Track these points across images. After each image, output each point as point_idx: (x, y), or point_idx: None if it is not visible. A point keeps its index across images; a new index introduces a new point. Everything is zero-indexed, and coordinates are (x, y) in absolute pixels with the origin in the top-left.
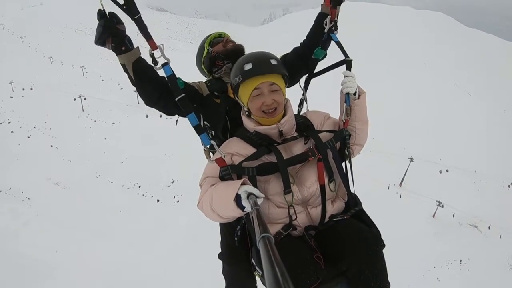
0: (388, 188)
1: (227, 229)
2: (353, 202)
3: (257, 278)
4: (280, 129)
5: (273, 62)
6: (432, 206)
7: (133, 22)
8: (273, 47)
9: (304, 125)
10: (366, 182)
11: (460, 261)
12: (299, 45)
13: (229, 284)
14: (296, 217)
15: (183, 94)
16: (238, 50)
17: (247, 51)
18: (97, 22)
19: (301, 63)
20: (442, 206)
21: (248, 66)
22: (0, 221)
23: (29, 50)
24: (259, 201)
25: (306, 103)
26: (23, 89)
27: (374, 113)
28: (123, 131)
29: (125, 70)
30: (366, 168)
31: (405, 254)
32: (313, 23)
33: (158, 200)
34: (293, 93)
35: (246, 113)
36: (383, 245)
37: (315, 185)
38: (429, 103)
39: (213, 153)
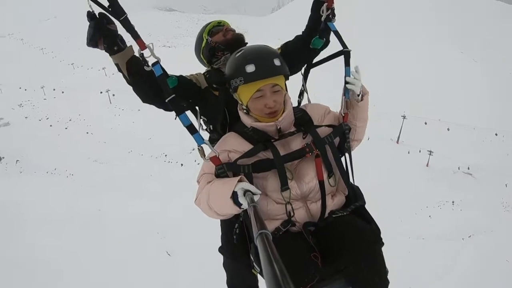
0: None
1: (227, 225)
2: (353, 196)
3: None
4: (278, 127)
5: (277, 62)
6: (427, 158)
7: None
8: (285, 35)
9: (302, 120)
10: (370, 140)
11: (453, 202)
12: (301, 33)
13: (230, 277)
14: (294, 213)
15: (173, 95)
16: (238, 40)
17: (259, 41)
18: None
19: (303, 51)
20: (432, 154)
21: (251, 68)
22: (51, 192)
23: (51, 59)
24: (256, 198)
25: (307, 93)
26: (54, 89)
27: (383, 80)
28: (148, 115)
29: (119, 70)
30: (372, 128)
31: (398, 197)
32: (310, 9)
33: (182, 165)
34: (293, 84)
35: (244, 110)
36: (382, 243)
37: (314, 181)
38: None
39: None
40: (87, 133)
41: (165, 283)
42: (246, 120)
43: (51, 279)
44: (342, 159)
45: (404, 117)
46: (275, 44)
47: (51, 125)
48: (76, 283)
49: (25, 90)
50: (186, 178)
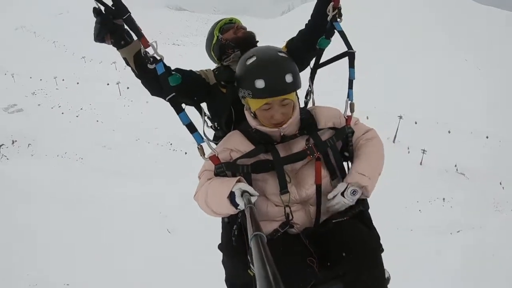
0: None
1: (227, 222)
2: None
3: None
4: (282, 133)
5: (288, 78)
6: (425, 158)
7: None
8: (291, 36)
9: (306, 123)
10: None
11: (444, 199)
12: (304, 27)
13: (228, 275)
14: (292, 216)
15: (173, 94)
16: (249, 38)
17: (266, 42)
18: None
19: (308, 48)
20: (425, 153)
21: (260, 84)
22: (61, 173)
23: (63, 52)
24: (253, 199)
25: (313, 94)
26: (63, 80)
27: (383, 81)
28: (156, 106)
29: (127, 64)
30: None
31: (390, 191)
32: (315, 4)
33: (186, 153)
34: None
35: (252, 115)
36: (382, 250)
37: (313, 187)
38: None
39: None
40: (97, 121)
41: (165, 257)
42: (251, 121)
43: (56, 252)
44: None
45: (400, 117)
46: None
47: (62, 113)
48: (83, 255)
49: (40, 80)
50: (189, 165)
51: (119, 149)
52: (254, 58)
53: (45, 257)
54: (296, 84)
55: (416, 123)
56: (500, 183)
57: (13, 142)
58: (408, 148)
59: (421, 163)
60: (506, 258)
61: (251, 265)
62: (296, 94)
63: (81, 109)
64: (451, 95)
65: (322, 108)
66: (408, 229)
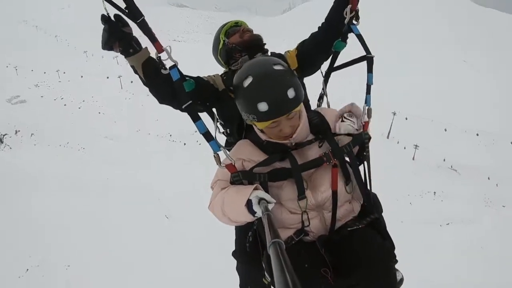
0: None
1: (241, 230)
2: (370, 206)
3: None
4: (293, 143)
5: (291, 94)
6: (418, 153)
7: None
8: (295, 36)
9: (320, 127)
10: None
11: (434, 193)
12: (317, 30)
13: (243, 281)
14: (309, 223)
15: (190, 101)
16: (255, 41)
17: (270, 41)
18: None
19: (320, 51)
20: (418, 148)
21: (263, 107)
22: (63, 162)
23: (66, 46)
24: (270, 206)
25: (327, 97)
26: (64, 73)
27: (383, 79)
28: (156, 100)
29: (135, 72)
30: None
31: (382, 184)
32: (331, 7)
33: (184, 144)
34: (312, 86)
35: (259, 130)
36: (396, 261)
37: (329, 191)
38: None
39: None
40: (99, 113)
41: (162, 241)
42: (260, 135)
43: (57, 235)
44: (361, 167)
45: (394, 113)
46: (287, 44)
47: (65, 105)
48: (84, 238)
49: (44, 73)
50: (188, 155)
51: (120, 140)
52: (250, 79)
53: (47, 240)
54: (299, 97)
55: (406, 119)
56: (490, 179)
57: (16, 132)
58: (399, 143)
59: (413, 158)
60: (494, 251)
61: (265, 273)
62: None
63: (83, 101)
64: (448, 94)
65: (327, 109)
66: (399, 221)
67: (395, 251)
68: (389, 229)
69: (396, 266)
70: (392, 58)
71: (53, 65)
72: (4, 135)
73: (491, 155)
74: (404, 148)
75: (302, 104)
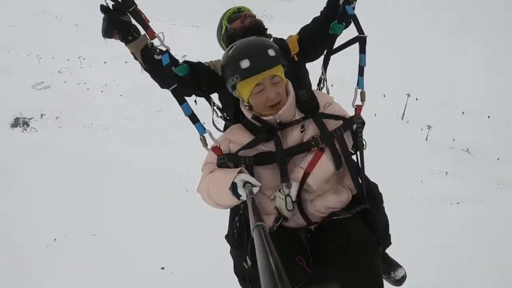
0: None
1: (232, 214)
2: (362, 196)
3: None
4: (278, 120)
5: (271, 52)
6: (431, 134)
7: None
8: (308, 20)
9: (308, 105)
10: (378, 116)
11: (446, 173)
12: (319, 14)
13: (236, 264)
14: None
15: (175, 85)
16: (256, 26)
17: (283, 25)
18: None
19: (322, 37)
20: (431, 128)
21: (245, 64)
22: (88, 141)
23: (86, 34)
24: (255, 190)
25: (326, 82)
26: (83, 59)
27: (395, 62)
28: None
29: (135, 58)
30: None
31: (395, 163)
32: None
33: (204, 123)
34: (313, 71)
35: (247, 107)
36: (379, 252)
37: (301, 172)
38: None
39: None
40: (121, 95)
41: (182, 214)
42: (247, 113)
43: (86, 207)
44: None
45: (408, 95)
46: (298, 28)
47: (88, 89)
48: (109, 209)
49: (68, 59)
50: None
51: (141, 120)
52: (234, 46)
53: (74, 212)
54: (279, 58)
55: (417, 99)
56: (502, 161)
57: (41, 116)
58: (411, 124)
59: (426, 139)
60: (502, 230)
61: (247, 258)
62: (287, 78)
63: (106, 85)
64: (463, 77)
65: (319, 92)
66: (409, 197)
67: (397, 249)
68: (400, 205)
69: (397, 256)
70: (404, 42)
71: (75, 52)
72: (30, 119)
73: (504, 138)
74: (421, 129)
75: (289, 82)
